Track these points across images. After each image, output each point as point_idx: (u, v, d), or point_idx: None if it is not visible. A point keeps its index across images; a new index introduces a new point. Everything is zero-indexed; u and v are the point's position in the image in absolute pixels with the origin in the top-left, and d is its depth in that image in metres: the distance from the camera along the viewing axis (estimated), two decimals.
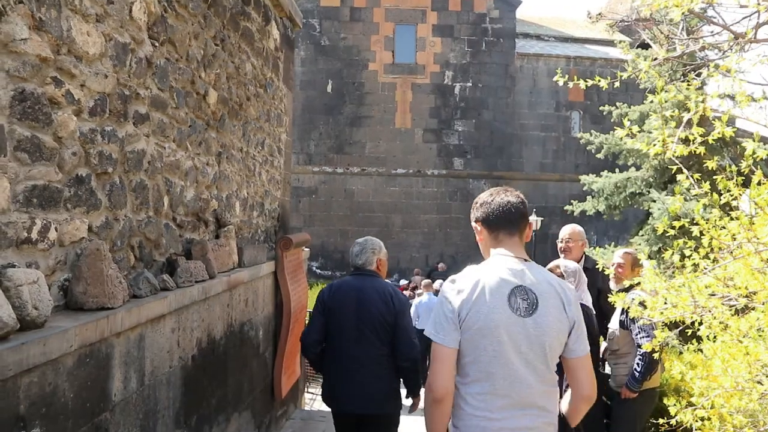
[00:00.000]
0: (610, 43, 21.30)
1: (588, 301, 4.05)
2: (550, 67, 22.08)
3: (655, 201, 8.51)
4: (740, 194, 2.28)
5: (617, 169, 10.64)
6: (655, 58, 3.59)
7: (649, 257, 4.69)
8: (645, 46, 11.10)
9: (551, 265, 4.22)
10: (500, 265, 2.19)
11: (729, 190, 2.18)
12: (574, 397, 2.24)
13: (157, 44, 3.72)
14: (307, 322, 6.81)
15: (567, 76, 2.75)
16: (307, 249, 8.01)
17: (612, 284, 4.28)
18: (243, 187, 5.69)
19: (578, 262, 4.45)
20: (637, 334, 3.83)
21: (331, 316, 4.08)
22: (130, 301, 3.15)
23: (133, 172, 3.48)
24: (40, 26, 2.61)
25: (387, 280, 4.33)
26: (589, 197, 11.11)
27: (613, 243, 11.16)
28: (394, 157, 21.82)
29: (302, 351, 4.41)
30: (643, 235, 9.06)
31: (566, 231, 4.62)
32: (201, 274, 4.13)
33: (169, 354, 3.59)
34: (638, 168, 10.27)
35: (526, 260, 2.24)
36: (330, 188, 21.82)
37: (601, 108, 11.14)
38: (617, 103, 10.60)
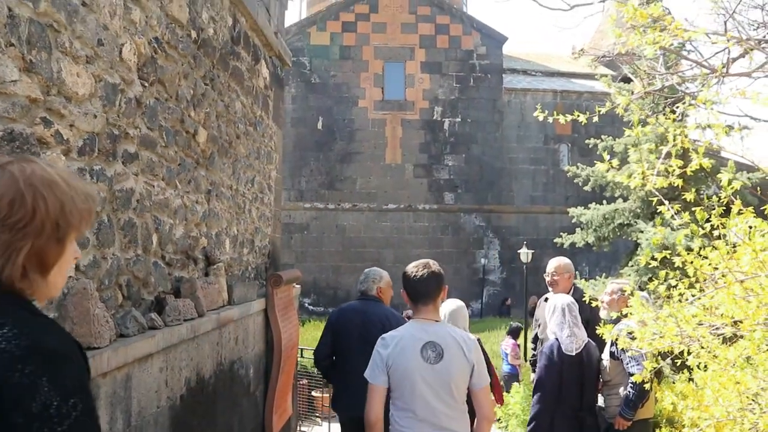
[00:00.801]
0: (603, 76, 21.71)
1: (583, 336, 4.06)
2: (537, 101, 22.40)
3: (642, 232, 8.57)
4: (721, 224, 2.31)
5: (605, 201, 10.73)
6: (635, 92, 3.67)
7: (640, 288, 4.70)
8: (628, 79, 11.31)
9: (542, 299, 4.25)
10: (417, 327, 2.98)
11: (708, 220, 2.22)
12: (478, 418, 3.00)
13: (146, 84, 3.77)
14: (299, 358, 6.75)
15: (547, 112, 2.81)
16: (298, 286, 7.98)
17: (602, 314, 4.29)
18: (233, 224, 5.70)
19: (568, 293, 4.46)
20: (627, 363, 3.83)
21: (339, 334, 4.67)
22: (117, 340, 3.13)
23: (121, 210, 3.49)
24: (30, 68, 2.65)
25: (389, 307, 4.89)
26: (578, 229, 11.17)
27: (604, 274, 11.18)
28: (385, 192, 21.92)
29: (315, 364, 5.07)
30: (632, 266, 9.10)
31: (552, 265, 4.64)
32: (190, 312, 4.11)
33: (156, 394, 3.55)
34: (625, 199, 10.36)
35: (436, 321, 3.02)
36: (321, 224, 21.83)
37: (586, 141, 11.29)
38: (602, 136, 10.75)
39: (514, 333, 12.31)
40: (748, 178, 8.59)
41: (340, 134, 21.98)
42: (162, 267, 4.07)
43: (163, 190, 4.06)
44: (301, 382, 9.29)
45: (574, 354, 3.97)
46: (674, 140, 2.41)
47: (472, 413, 3.02)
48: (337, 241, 21.77)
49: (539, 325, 4.80)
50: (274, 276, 6.13)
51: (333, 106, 21.96)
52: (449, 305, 4.52)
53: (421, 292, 3.00)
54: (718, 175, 2.01)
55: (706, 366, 2.93)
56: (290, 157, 20.86)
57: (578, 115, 2.62)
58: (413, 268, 3.04)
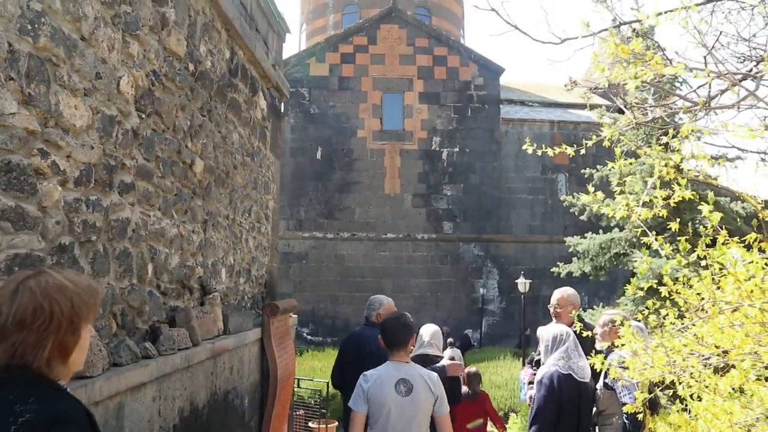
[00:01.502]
0: (594, 107, 21.93)
1: (584, 367, 4.03)
2: (535, 131, 22.61)
3: (641, 262, 8.57)
4: (706, 254, 2.34)
5: (601, 230, 10.77)
6: (629, 124, 3.73)
7: (636, 319, 4.70)
8: (623, 110, 11.45)
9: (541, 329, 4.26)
10: (392, 367, 3.65)
11: (693, 251, 2.25)
12: None
13: (143, 116, 3.83)
14: (295, 388, 6.71)
15: (535, 145, 2.86)
16: (295, 315, 7.97)
17: (597, 345, 4.28)
18: (229, 253, 5.72)
19: (570, 326, 4.44)
20: (620, 393, 3.82)
21: (344, 359, 5.22)
22: (110, 369, 3.13)
23: (117, 240, 3.52)
24: (28, 101, 2.71)
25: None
26: (574, 258, 11.18)
27: (602, 304, 11.16)
28: (384, 222, 21.97)
29: (331, 381, 5.70)
30: (629, 296, 9.09)
31: (555, 296, 4.62)
32: (184, 341, 4.11)
33: (149, 423, 3.53)
34: (621, 229, 10.40)
35: (407, 362, 3.70)
36: (320, 254, 21.83)
37: (582, 171, 11.35)
38: (598, 166, 10.83)
39: (533, 363, 12.22)
40: (743, 208, 8.64)
41: (338, 164, 22.11)
42: (157, 296, 4.09)
43: (159, 219, 4.10)
44: (297, 413, 9.20)
45: (585, 381, 3.98)
46: (660, 171, 2.45)
47: None
48: (336, 271, 21.74)
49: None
50: (271, 305, 6.13)
51: (332, 136, 22.14)
52: (429, 328, 5.23)
53: (396, 341, 3.71)
54: (699, 207, 2.05)
55: (699, 397, 2.93)
56: (289, 186, 20.96)
57: (566, 148, 2.66)
58: (391, 321, 3.80)
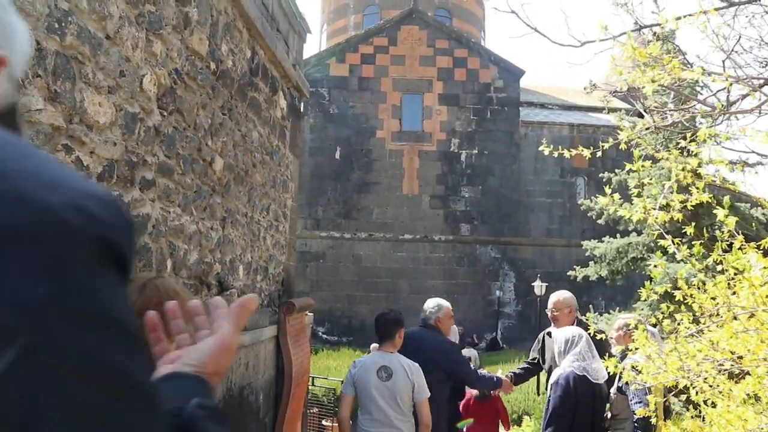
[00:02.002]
0: (613, 110, 21.75)
1: (597, 369, 4.02)
2: (554, 134, 22.48)
3: (656, 266, 8.50)
4: (723, 259, 2.33)
5: (619, 235, 10.70)
6: (648, 128, 3.72)
7: (651, 324, 4.68)
8: (642, 114, 11.37)
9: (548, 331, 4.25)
10: (377, 355, 4.31)
11: (709, 255, 2.24)
12: (420, 423, 4.09)
13: (165, 114, 3.90)
14: (309, 386, 6.76)
15: (552, 146, 2.87)
16: (311, 314, 8.02)
17: (613, 350, 4.27)
18: (247, 251, 5.78)
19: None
20: (631, 400, 3.81)
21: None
22: None
23: (137, 235, 3.59)
24: (54, 98, 2.77)
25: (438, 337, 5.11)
26: (591, 262, 11.12)
27: (618, 308, 11.08)
28: (402, 222, 21.99)
29: None
30: (646, 300, 9.01)
31: (551, 300, 4.62)
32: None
33: None
34: (639, 233, 10.32)
35: (392, 352, 4.21)
36: (337, 253, 21.90)
37: (600, 174, 11.28)
38: (617, 170, 10.76)
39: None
40: (763, 214, 8.53)
41: (357, 164, 22.17)
42: None
43: (178, 216, 4.16)
44: (311, 411, 9.26)
45: (599, 382, 3.97)
46: (677, 175, 2.45)
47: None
48: (353, 271, 21.80)
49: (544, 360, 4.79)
50: (287, 303, 6.18)
51: (351, 136, 22.21)
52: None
53: (386, 333, 4.28)
54: (714, 212, 2.05)
55: (714, 403, 2.91)
56: (308, 186, 21.06)
57: (582, 150, 2.67)
58: (383, 316, 4.39)
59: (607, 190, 2.47)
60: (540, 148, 3.01)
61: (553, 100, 24.71)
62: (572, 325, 4.46)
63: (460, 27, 25.58)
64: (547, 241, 22.35)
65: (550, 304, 4.60)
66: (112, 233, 0.58)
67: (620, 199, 2.46)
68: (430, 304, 5.28)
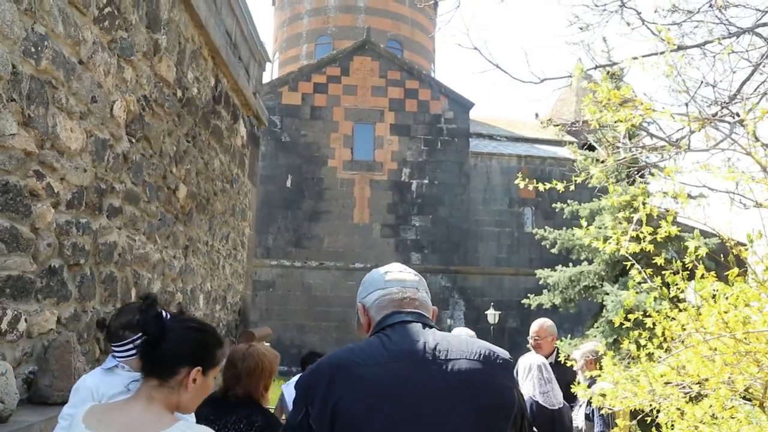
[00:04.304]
0: (558, 142, 22.50)
1: (558, 396, 4.11)
2: (502, 165, 23.04)
3: (608, 294, 8.79)
4: (686, 287, 2.47)
5: (570, 264, 11.00)
6: (602, 161, 3.89)
7: (606, 348, 4.81)
8: (591, 147, 11.83)
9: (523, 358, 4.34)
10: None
11: (676, 284, 2.37)
12: None
13: (133, 140, 3.86)
14: None
15: (525, 179, 2.98)
16: (268, 344, 7.91)
17: (579, 377, 4.36)
18: (207, 280, 5.70)
19: (549, 357, 4.52)
20: (597, 424, 3.90)
21: None
22: None
23: (103, 263, 3.51)
24: (28, 122, 2.73)
25: None
26: (544, 291, 11.38)
27: (569, 335, 11.34)
28: (353, 251, 21.97)
29: None
30: (598, 327, 9.28)
31: (534, 327, 4.66)
32: None
33: None
34: (590, 262, 10.65)
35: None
36: (287, 282, 21.66)
37: (553, 205, 11.64)
38: (568, 201, 11.12)
39: None
40: (706, 244, 8.96)
41: (308, 193, 22.12)
42: None
43: (143, 244, 4.09)
44: None
45: (555, 408, 4.02)
46: (643, 208, 2.58)
47: None
48: (303, 300, 21.58)
49: None
50: (247, 333, 6.10)
51: (302, 164, 22.18)
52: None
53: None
54: (685, 243, 2.18)
55: (673, 425, 3.03)
56: (258, 214, 20.81)
57: (556, 183, 2.79)
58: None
59: (583, 222, 2.59)
60: (516, 182, 3.12)
61: (502, 132, 25.36)
62: (552, 352, 4.54)
63: (411, 59, 26.08)
64: (496, 269, 22.71)
65: (533, 332, 4.63)
66: None
67: (589, 228, 2.58)
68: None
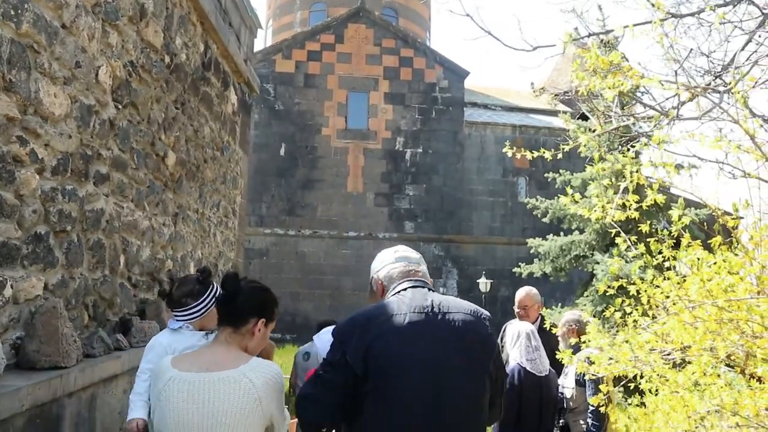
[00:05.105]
0: (553, 112, 22.41)
1: (545, 363, 4.16)
2: (497, 135, 22.95)
3: (598, 263, 8.86)
4: (672, 256, 2.48)
5: (562, 233, 11.05)
6: (594, 130, 3.87)
7: (594, 316, 4.86)
8: (585, 116, 11.79)
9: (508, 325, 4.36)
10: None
11: (660, 252, 2.38)
12: None
13: (120, 107, 3.81)
14: None
15: (515, 148, 2.97)
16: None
17: (561, 344, 4.40)
18: (198, 247, 5.70)
19: (534, 324, 4.55)
20: (587, 392, 3.95)
21: None
22: (83, 360, 3.12)
23: (91, 230, 3.49)
24: (9, 87, 2.68)
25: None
26: (535, 260, 11.44)
27: (560, 304, 11.45)
28: (346, 220, 21.99)
29: None
30: (587, 296, 9.36)
31: (520, 295, 4.68)
32: (155, 334, 4.09)
33: (120, 416, 3.52)
34: (582, 231, 10.70)
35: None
36: (281, 250, 21.71)
37: (546, 174, 11.62)
38: (560, 170, 11.10)
39: None
40: (696, 214, 9.01)
41: (302, 161, 22.03)
42: (128, 288, 4.07)
43: (132, 211, 4.07)
44: None
45: (542, 375, 4.07)
46: (631, 177, 2.58)
47: None
48: (297, 268, 21.66)
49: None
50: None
51: (296, 133, 22.04)
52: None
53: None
54: (669, 211, 2.18)
55: (657, 390, 3.08)
56: (251, 182, 20.77)
57: (543, 152, 2.77)
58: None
59: (568, 190, 2.58)
60: (504, 150, 3.10)
61: (497, 101, 25.20)
62: (536, 319, 4.56)
63: (406, 26, 25.75)
64: (489, 239, 22.80)
65: (518, 300, 4.65)
66: None
67: (582, 197, 2.58)
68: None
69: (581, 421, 4.11)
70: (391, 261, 2.24)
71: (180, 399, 1.87)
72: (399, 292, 2.11)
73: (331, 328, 5.17)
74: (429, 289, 2.14)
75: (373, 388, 1.89)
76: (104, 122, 3.60)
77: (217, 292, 2.69)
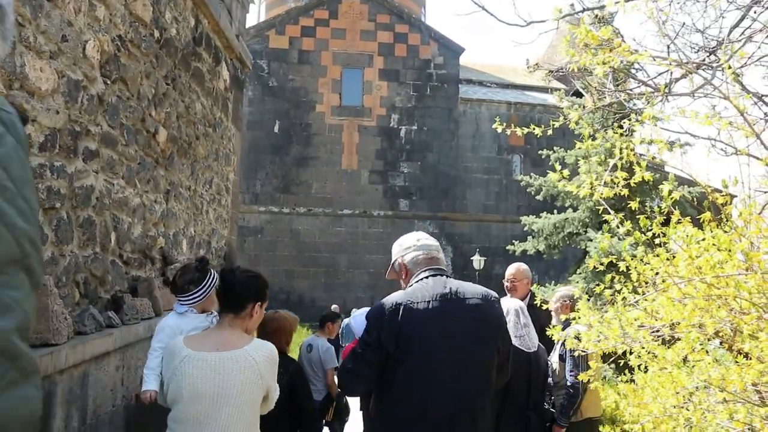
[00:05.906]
0: (549, 90, 22.29)
1: (534, 338, 4.19)
2: (492, 112, 22.86)
3: (591, 240, 8.89)
4: (662, 233, 2.48)
5: (556, 211, 11.06)
6: (586, 107, 3.85)
7: (586, 293, 4.88)
8: (580, 93, 11.73)
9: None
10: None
11: (649, 228, 2.38)
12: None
13: (109, 82, 3.76)
14: None
15: (505, 124, 2.95)
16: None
17: (553, 321, 4.43)
18: (190, 225, 5.68)
19: (524, 300, 4.58)
20: (569, 371, 3.98)
21: None
22: (74, 337, 3.12)
23: (81, 207, 3.47)
24: None
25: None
26: (529, 237, 11.47)
27: (553, 282, 11.50)
28: (341, 197, 21.97)
29: None
30: (580, 273, 9.41)
31: (511, 270, 4.70)
32: (147, 311, 4.10)
33: (112, 393, 3.53)
34: (575, 209, 10.71)
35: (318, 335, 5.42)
36: (276, 228, 21.71)
37: (539, 152, 11.59)
38: (554, 148, 11.08)
39: None
40: (689, 192, 9.02)
41: (296, 138, 21.93)
42: (119, 265, 4.06)
43: (122, 188, 4.05)
44: None
45: (531, 351, 4.09)
46: (620, 153, 2.57)
47: None
48: (291, 245, 21.68)
49: None
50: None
51: (290, 110, 21.91)
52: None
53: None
54: (660, 187, 2.18)
55: (646, 367, 3.10)
56: (246, 160, 20.67)
57: (533, 128, 2.76)
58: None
59: (557, 167, 2.57)
60: (493, 126, 3.07)
61: (492, 78, 25.05)
62: (526, 296, 4.59)
63: (401, 2, 25.48)
64: (484, 216, 22.83)
65: (509, 274, 4.67)
66: None
67: (575, 175, 2.56)
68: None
69: (564, 395, 4.16)
70: (415, 247, 2.64)
71: (195, 374, 2.19)
72: (421, 279, 2.49)
73: (365, 310, 5.25)
74: (447, 277, 2.51)
75: (404, 363, 2.26)
76: (92, 98, 3.55)
77: (215, 279, 3.10)
